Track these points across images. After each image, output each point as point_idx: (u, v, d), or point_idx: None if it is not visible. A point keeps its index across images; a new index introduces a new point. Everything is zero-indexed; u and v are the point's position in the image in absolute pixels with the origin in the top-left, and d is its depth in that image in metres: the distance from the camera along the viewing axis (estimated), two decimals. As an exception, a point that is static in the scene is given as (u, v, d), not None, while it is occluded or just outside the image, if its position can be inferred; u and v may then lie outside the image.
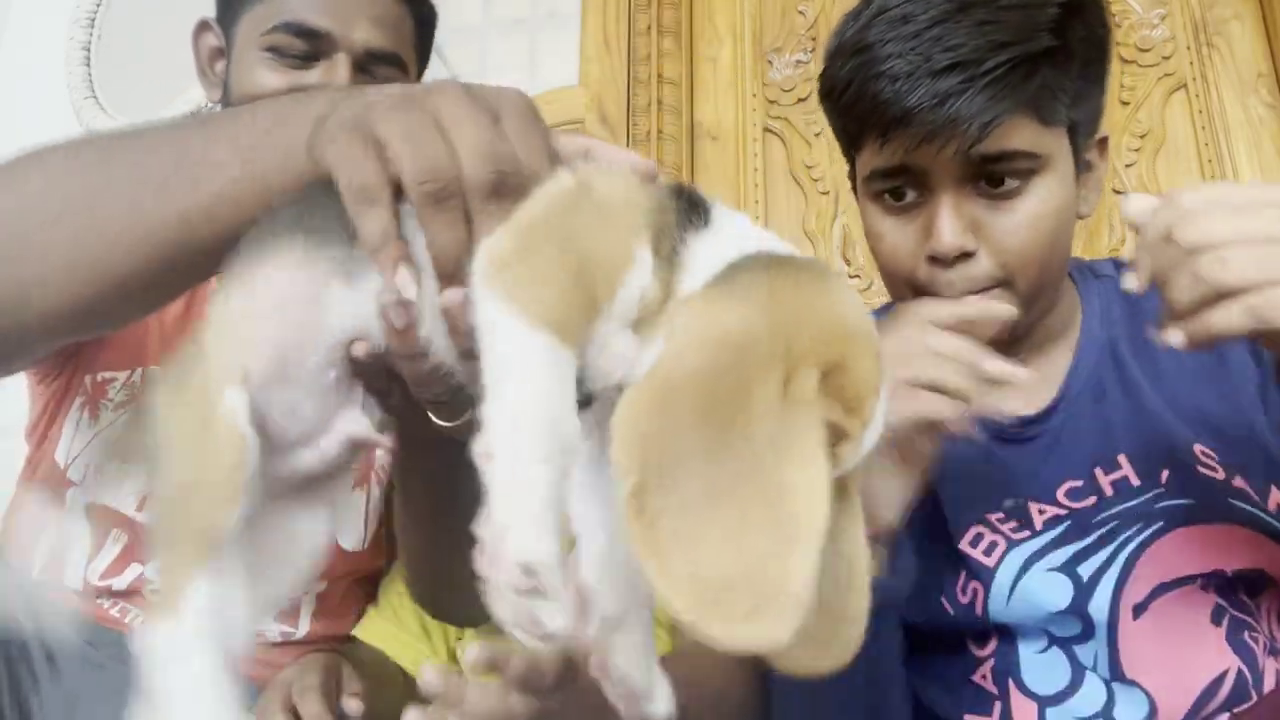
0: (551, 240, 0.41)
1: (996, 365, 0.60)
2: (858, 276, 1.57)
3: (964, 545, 0.74)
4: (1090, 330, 0.77)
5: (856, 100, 0.70)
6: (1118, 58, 1.54)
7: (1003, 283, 0.69)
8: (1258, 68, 1.51)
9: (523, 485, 0.38)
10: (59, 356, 0.86)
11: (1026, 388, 0.76)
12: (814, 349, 0.39)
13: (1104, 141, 0.76)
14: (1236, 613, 0.69)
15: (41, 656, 0.82)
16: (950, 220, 0.67)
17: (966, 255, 0.68)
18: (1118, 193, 1.49)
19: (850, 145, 0.77)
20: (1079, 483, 0.74)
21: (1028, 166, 0.68)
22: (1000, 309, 0.63)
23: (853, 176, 0.81)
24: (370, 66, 0.83)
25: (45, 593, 0.88)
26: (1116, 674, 0.69)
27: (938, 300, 0.65)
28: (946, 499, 0.76)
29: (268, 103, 0.53)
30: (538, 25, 1.92)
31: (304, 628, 0.95)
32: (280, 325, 0.46)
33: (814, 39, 1.72)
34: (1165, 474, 0.72)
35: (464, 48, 1.94)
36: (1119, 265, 0.81)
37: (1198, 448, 0.72)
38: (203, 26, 0.90)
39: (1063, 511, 0.73)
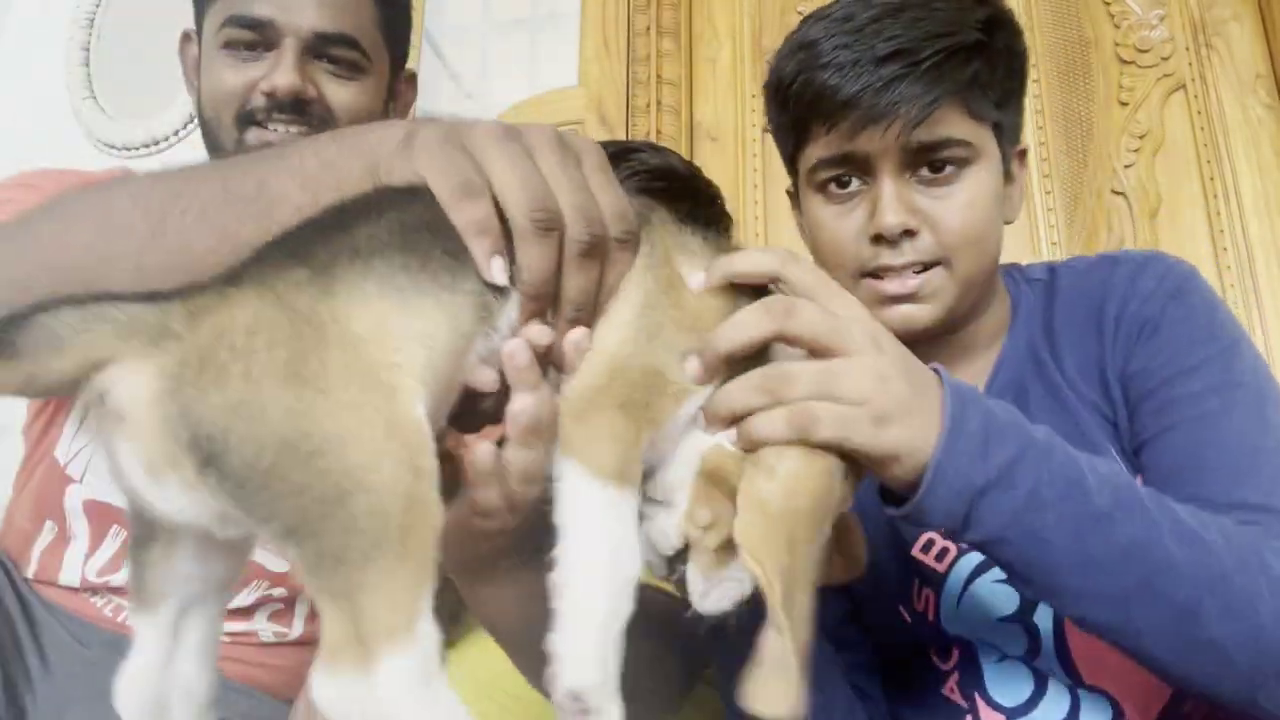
0: (616, 399, 0.47)
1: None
2: (857, 277, 1.58)
3: (916, 551, 0.74)
4: (1016, 334, 0.79)
5: (802, 91, 0.74)
6: (1117, 58, 1.54)
7: (942, 261, 0.73)
8: (1256, 69, 1.51)
9: (582, 616, 0.44)
10: None
11: None
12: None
13: (1023, 154, 0.81)
14: None
15: (35, 654, 0.82)
16: (892, 200, 0.72)
17: (910, 234, 0.72)
18: (1117, 193, 1.49)
19: (795, 141, 0.80)
20: None
21: (962, 155, 0.73)
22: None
23: (794, 182, 0.84)
24: (323, 50, 0.83)
25: (38, 591, 0.89)
26: (1077, 681, 0.68)
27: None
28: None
29: (331, 135, 0.55)
30: (538, 25, 1.92)
31: (298, 629, 0.95)
32: (450, 354, 0.46)
33: (813, 39, 1.72)
34: None
35: (464, 48, 1.95)
36: (1053, 270, 0.83)
37: (1114, 449, 0.71)
38: (186, 37, 0.91)
39: None
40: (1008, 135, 0.77)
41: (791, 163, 0.82)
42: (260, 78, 0.81)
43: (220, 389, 0.38)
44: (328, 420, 0.39)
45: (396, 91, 0.93)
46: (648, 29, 1.77)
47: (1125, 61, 1.53)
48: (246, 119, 0.83)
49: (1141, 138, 1.51)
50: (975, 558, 0.72)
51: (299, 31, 0.82)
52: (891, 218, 0.71)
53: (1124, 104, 1.52)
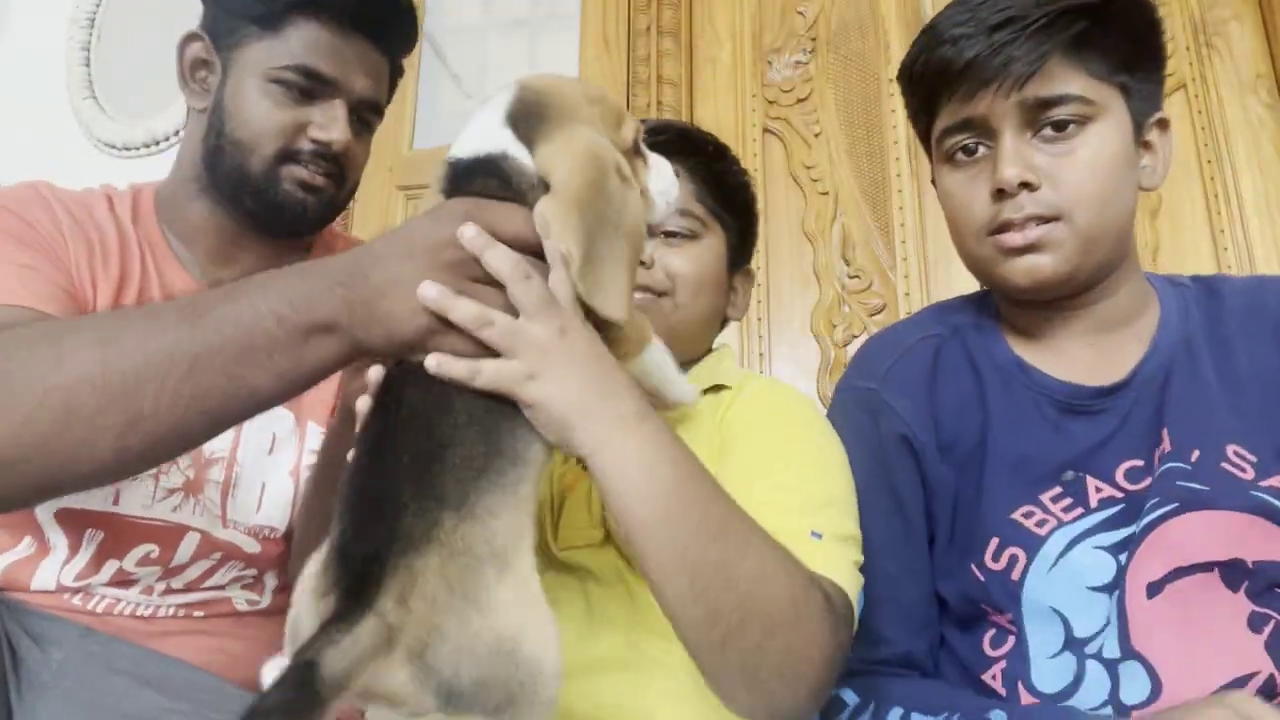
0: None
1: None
2: (857, 276, 1.58)
3: (1017, 515, 0.76)
4: (1168, 322, 0.81)
5: (925, 69, 0.80)
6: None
7: (1063, 216, 0.75)
8: (1257, 68, 1.51)
9: None
10: None
11: (1093, 362, 0.80)
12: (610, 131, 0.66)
13: (1164, 123, 0.81)
14: None
15: (8, 657, 0.82)
16: (1011, 155, 0.75)
17: (1029, 188, 0.75)
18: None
19: (927, 119, 0.84)
20: (1139, 463, 0.76)
21: (1080, 112, 0.75)
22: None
23: (930, 160, 0.87)
24: (360, 112, 0.94)
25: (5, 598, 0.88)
26: (1125, 649, 0.69)
27: None
28: (1000, 467, 0.79)
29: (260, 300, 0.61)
30: (538, 25, 1.92)
31: (267, 599, 0.97)
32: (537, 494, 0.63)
33: (814, 39, 1.72)
34: (1196, 454, 0.73)
35: (464, 48, 1.95)
36: (1195, 278, 0.86)
37: (1231, 448, 0.74)
38: (192, 37, 0.95)
39: (1119, 494, 0.75)
40: (1138, 99, 0.78)
41: (926, 143, 0.86)
42: (308, 123, 0.90)
43: (446, 645, 0.51)
44: (509, 622, 0.53)
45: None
46: (648, 29, 1.77)
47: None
48: (287, 155, 0.91)
49: (1142, 137, 1.51)
50: (1075, 528, 0.74)
51: (351, 95, 0.92)
52: (1009, 170, 0.74)
53: (1124, 104, 1.52)
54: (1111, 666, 0.70)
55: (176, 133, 2.00)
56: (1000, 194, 0.76)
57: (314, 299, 0.60)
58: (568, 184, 0.61)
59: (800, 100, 1.69)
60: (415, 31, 0.99)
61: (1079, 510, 0.75)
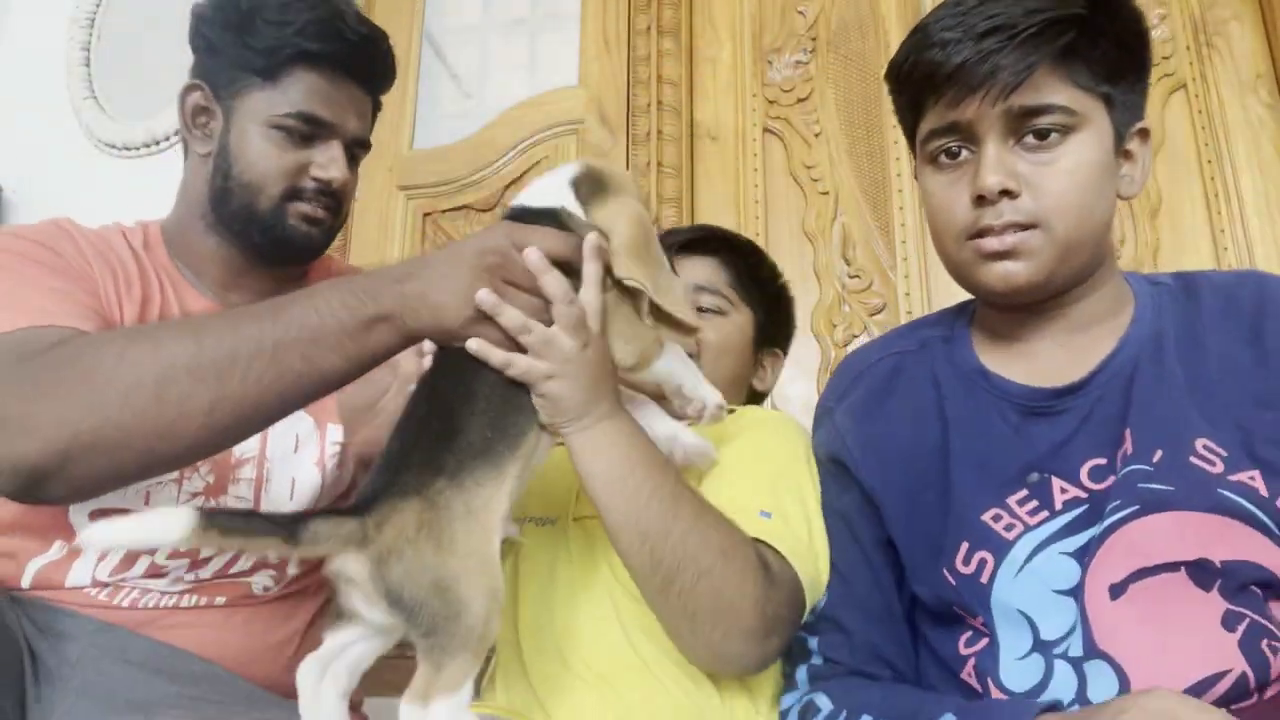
0: None
1: None
2: (857, 276, 1.58)
3: (985, 518, 0.77)
4: (1141, 320, 0.81)
5: (913, 70, 0.80)
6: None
7: (1041, 224, 0.75)
8: (1257, 68, 1.51)
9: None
10: None
11: (1060, 362, 0.80)
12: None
13: (1145, 133, 0.82)
14: (1259, 619, 0.69)
15: (26, 654, 0.86)
16: (993, 162, 0.76)
17: (1009, 195, 0.76)
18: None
19: (913, 119, 0.84)
20: (1102, 461, 0.76)
21: (1063, 122, 0.76)
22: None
23: (914, 158, 0.88)
24: (352, 149, 1.04)
25: (18, 596, 0.92)
26: (1089, 649, 0.70)
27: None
28: (965, 472, 0.79)
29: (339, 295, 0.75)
30: (538, 25, 1.92)
31: (283, 582, 1.01)
32: (524, 483, 0.77)
33: (814, 39, 1.72)
34: (1158, 454, 0.73)
35: (464, 48, 1.95)
36: (1176, 276, 0.86)
37: (1200, 441, 0.74)
38: (192, 87, 1.03)
39: (1083, 494, 0.75)
40: (1121, 110, 0.79)
41: (911, 141, 0.87)
42: (310, 163, 1.00)
43: (404, 564, 0.66)
44: (454, 569, 0.67)
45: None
46: (648, 28, 1.77)
47: (1126, 61, 1.53)
48: (293, 194, 1.00)
49: (1142, 137, 1.51)
50: (1041, 532, 0.75)
51: (346, 135, 1.01)
52: (990, 178, 0.75)
53: (1124, 103, 1.52)
54: (1078, 665, 0.70)
55: (176, 132, 1.99)
56: (981, 200, 0.76)
57: (378, 294, 0.73)
58: (631, 234, 0.78)
59: (800, 100, 1.69)
60: (394, 71, 1.09)
61: (1044, 514, 0.76)
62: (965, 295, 0.90)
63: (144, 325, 0.83)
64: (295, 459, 1.02)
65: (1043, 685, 0.71)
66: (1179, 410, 0.75)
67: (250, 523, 0.67)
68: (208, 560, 0.96)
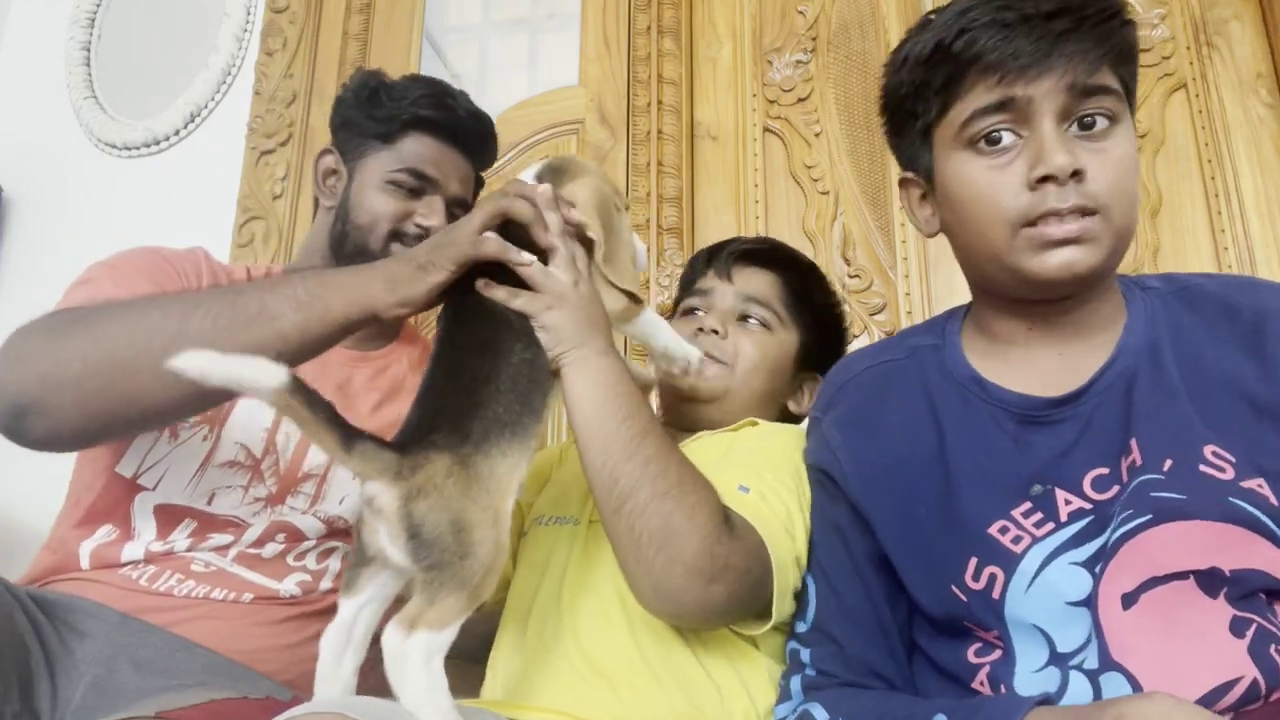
0: None
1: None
2: (857, 276, 1.58)
3: (992, 531, 0.76)
4: (1135, 329, 0.79)
5: (966, 48, 0.76)
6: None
7: (1102, 210, 0.74)
8: (1257, 68, 1.51)
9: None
10: None
11: (1056, 373, 0.79)
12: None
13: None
14: (1266, 624, 0.68)
15: (43, 665, 0.91)
16: (1058, 143, 0.73)
17: (1078, 176, 0.73)
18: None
19: (943, 102, 0.80)
20: (1105, 470, 0.75)
21: (1114, 107, 0.75)
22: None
23: (915, 163, 0.85)
24: (452, 208, 1.16)
25: (53, 588, 1.00)
26: (1104, 661, 0.69)
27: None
28: (969, 487, 0.78)
29: (315, 273, 0.87)
30: (538, 25, 1.92)
31: (324, 585, 1.09)
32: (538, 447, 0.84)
33: (814, 39, 1.72)
34: (1168, 463, 0.72)
35: (464, 48, 1.95)
36: (1167, 279, 0.84)
37: (1209, 448, 0.72)
38: (325, 152, 1.20)
39: (1087, 505, 0.74)
40: (1132, 111, 0.79)
41: (925, 134, 0.83)
42: (414, 212, 1.14)
43: (429, 501, 0.72)
44: (474, 516, 0.73)
45: None
46: (648, 28, 1.77)
47: (1126, 61, 1.53)
48: (395, 236, 1.13)
49: (1143, 137, 1.51)
50: (1049, 544, 0.73)
51: (447, 192, 1.16)
52: (1063, 157, 0.72)
53: (1125, 103, 1.52)
54: (1093, 677, 0.69)
55: (177, 132, 2.00)
56: (1043, 182, 0.73)
57: (420, 251, 0.87)
58: (588, 200, 0.89)
59: (800, 100, 1.69)
60: (496, 150, 1.26)
61: (1050, 525, 0.74)
62: (967, 295, 0.89)
63: (172, 293, 0.94)
64: (354, 483, 1.07)
65: (1058, 697, 0.70)
66: (1185, 418, 0.74)
67: (325, 411, 0.72)
68: (264, 541, 1.05)
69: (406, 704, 0.67)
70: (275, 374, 0.68)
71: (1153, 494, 0.71)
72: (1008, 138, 0.76)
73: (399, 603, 0.74)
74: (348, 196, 1.15)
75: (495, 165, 1.85)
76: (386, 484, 0.72)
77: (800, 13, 1.74)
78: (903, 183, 0.89)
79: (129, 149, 2.03)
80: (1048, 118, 0.74)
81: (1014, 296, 0.80)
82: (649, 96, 1.72)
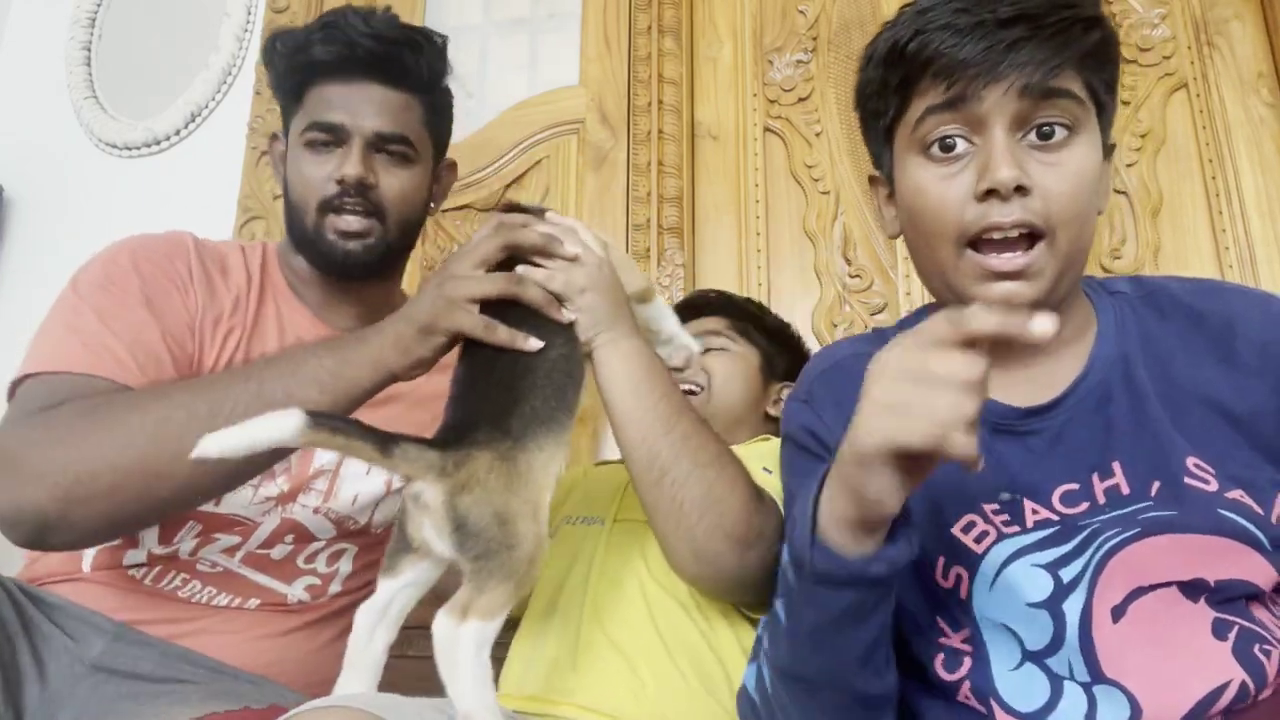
0: None
1: (1039, 323, 0.55)
2: (858, 276, 1.58)
3: (956, 530, 0.75)
4: (1105, 339, 0.77)
5: (919, 50, 0.73)
6: (1118, 57, 1.54)
7: (1047, 234, 0.71)
8: (1258, 67, 1.51)
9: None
10: None
11: (1028, 382, 0.77)
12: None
13: (1111, 149, 0.79)
14: (1247, 624, 0.68)
15: (31, 663, 0.88)
16: (1006, 154, 0.70)
17: (1023, 191, 0.70)
18: (1119, 192, 1.49)
19: (900, 102, 0.78)
20: (1075, 486, 0.73)
21: (1074, 113, 0.72)
22: (1037, 321, 0.56)
23: (882, 160, 0.82)
24: (382, 145, 1.04)
25: (47, 590, 0.97)
26: (1096, 675, 0.68)
27: (964, 311, 0.60)
28: (939, 485, 0.74)
29: (327, 346, 0.86)
30: (538, 25, 1.92)
31: (333, 589, 1.08)
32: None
33: (814, 39, 1.72)
34: (1156, 485, 0.71)
35: (464, 48, 1.94)
36: (1134, 282, 0.82)
37: (1191, 460, 0.71)
38: (273, 138, 1.12)
39: (1054, 516, 0.73)
40: (1106, 122, 0.76)
41: (887, 134, 0.81)
42: (332, 170, 1.02)
43: (473, 495, 0.74)
44: (514, 509, 0.74)
45: (438, 175, 1.15)
46: (649, 28, 1.77)
47: (1127, 60, 1.53)
48: (326, 207, 1.02)
49: (1143, 137, 1.51)
50: (1013, 544, 0.73)
51: (363, 132, 1.02)
52: (1006, 170, 0.70)
53: (1125, 103, 1.51)
54: (1088, 689, 0.68)
55: (177, 132, 2.00)
56: (988, 195, 0.71)
57: (423, 310, 0.84)
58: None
59: (801, 100, 1.69)
60: (437, 64, 1.08)
61: (1016, 527, 0.73)
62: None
63: (170, 381, 0.90)
64: (366, 479, 1.07)
65: (1050, 706, 0.69)
66: (1164, 435, 0.72)
67: (352, 427, 0.73)
68: (269, 545, 1.02)
69: (455, 692, 0.68)
70: (291, 420, 0.68)
71: (1142, 515, 0.70)
72: (961, 145, 0.73)
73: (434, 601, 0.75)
74: (284, 174, 1.07)
75: (496, 164, 1.86)
76: (431, 481, 0.74)
77: (801, 12, 1.74)
78: (871, 180, 0.88)
79: (129, 149, 2.03)
80: (999, 126, 0.71)
81: None
82: (649, 96, 1.72)
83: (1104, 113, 0.75)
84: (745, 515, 0.81)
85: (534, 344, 0.82)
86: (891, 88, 0.78)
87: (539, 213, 0.90)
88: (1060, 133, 0.71)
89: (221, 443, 0.67)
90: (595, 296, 0.85)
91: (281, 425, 0.68)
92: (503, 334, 0.81)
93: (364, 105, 1.02)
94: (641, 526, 0.98)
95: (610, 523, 1.02)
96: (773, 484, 0.90)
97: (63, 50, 2.14)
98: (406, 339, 0.84)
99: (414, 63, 1.05)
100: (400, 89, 1.04)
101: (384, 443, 0.73)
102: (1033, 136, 0.72)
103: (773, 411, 1.19)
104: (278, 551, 1.02)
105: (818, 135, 1.66)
